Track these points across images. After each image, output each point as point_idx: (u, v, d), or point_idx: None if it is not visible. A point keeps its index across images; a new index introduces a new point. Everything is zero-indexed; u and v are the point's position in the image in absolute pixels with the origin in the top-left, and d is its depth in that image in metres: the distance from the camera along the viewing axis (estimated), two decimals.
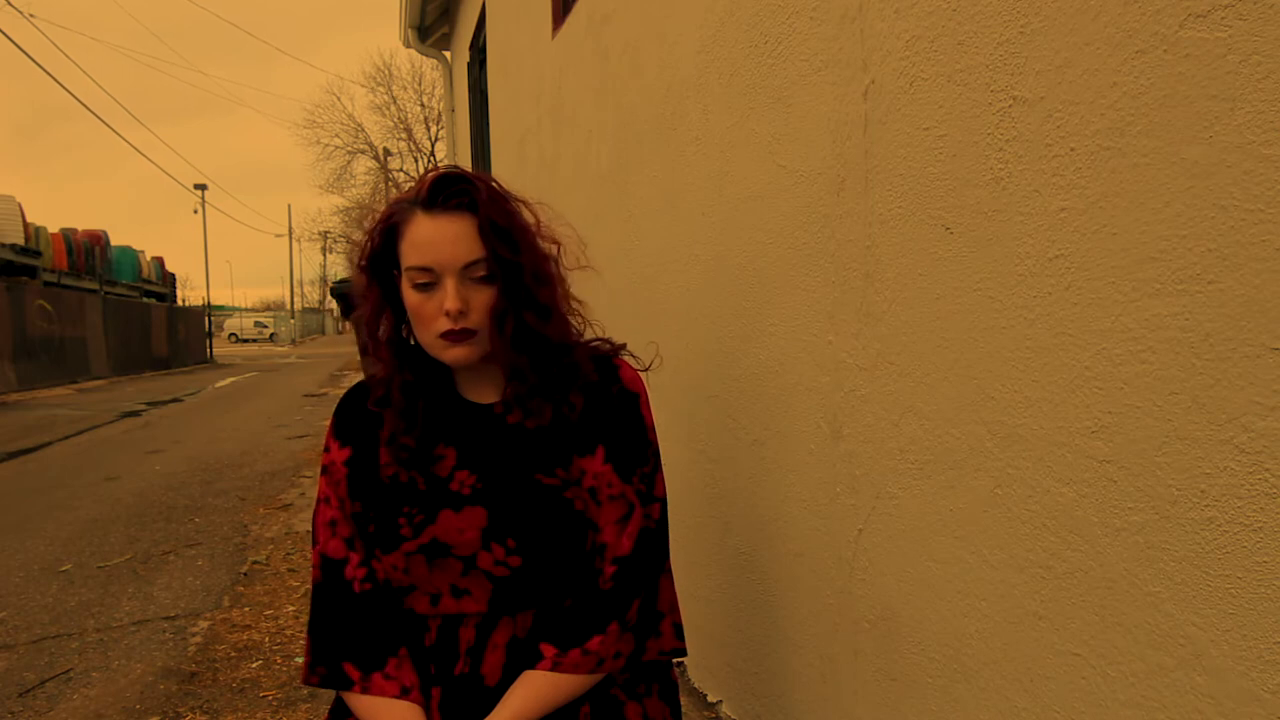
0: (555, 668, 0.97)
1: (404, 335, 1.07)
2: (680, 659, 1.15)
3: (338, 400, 1.14)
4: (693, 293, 1.87)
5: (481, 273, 0.99)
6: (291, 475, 5.55)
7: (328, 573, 1.05)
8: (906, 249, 1.13)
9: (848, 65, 1.24)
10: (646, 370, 1.18)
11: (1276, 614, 0.70)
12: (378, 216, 1.06)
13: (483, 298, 0.99)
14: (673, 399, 1.96)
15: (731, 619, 1.77)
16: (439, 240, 0.97)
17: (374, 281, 1.05)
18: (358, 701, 1.01)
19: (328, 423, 1.13)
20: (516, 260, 1.01)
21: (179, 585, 3.33)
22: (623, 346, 1.15)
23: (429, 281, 0.98)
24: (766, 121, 1.49)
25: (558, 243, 1.10)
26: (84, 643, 2.77)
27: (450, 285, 0.97)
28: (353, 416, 1.10)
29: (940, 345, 1.08)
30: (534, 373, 1.03)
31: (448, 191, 0.99)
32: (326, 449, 1.10)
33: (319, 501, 1.09)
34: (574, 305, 1.11)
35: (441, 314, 0.97)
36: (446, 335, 0.98)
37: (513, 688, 0.98)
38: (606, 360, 1.10)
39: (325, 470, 1.09)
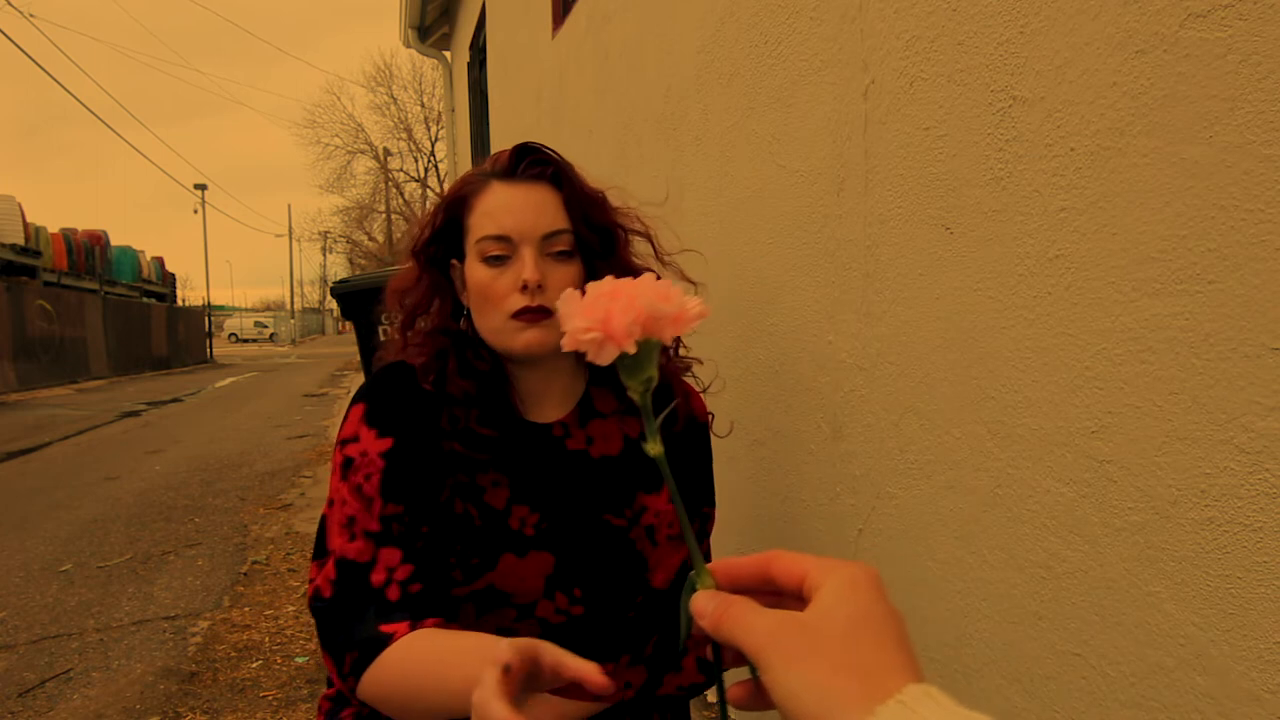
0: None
1: (462, 327, 0.96)
2: None
3: (360, 387, 0.95)
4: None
5: (563, 246, 0.90)
6: (291, 475, 5.55)
7: (345, 580, 0.84)
8: (906, 249, 1.13)
9: (848, 65, 1.24)
10: (705, 391, 1.11)
11: (1276, 614, 0.70)
12: (439, 198, 0.96)
13: (561, 275, 0.89)
14: None
15: None
16: (519, 206, 0.88)
17: (427, 269, 0.94)
18: (408, 649, 0.77)
19: (347, 413, 0.93)
20: (608, 229, 0.92)
21: (179, 585, 3.33)
22: (689, 366, 1.04)
23: (503, 254, 0.88)
24: (766, 121, 1.49)
25: (646, 227, 1.01)
26: (84, 643, 2.77)
27: (529, 255, 0.87)
28: (395, 403, 0.91)
29: (940, 345, 1.08)
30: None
31: (530, 158, 0.91)
32: (354, 438, 0.90)
33: (330, 505, 0.90)
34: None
35: (515, 290, 0.87)
36: (521, 314, 0.87)
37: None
38: (678, 382, 1.00)
39: (347, 465, 0.89)
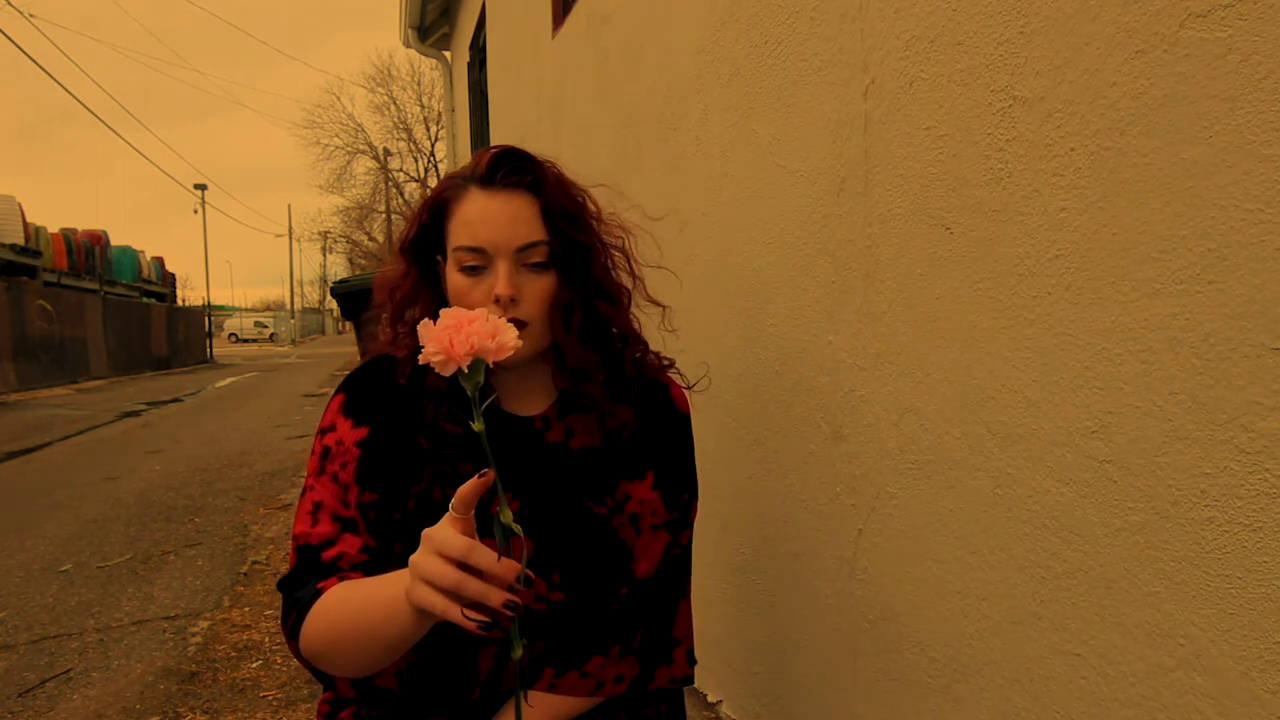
0: (552, 688, 0.94)
1: None
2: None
3: (345, 377, 1.00)
4: (692, 293, 1.87)
5: (538, 258, 0.90)
6: (291, 475, 5.55)
7: (301, 559, 0.90)
8: (906, 249, 1.13)
9: (848, 65, 1.24)
10: (691, 389, 1.12)
11: (1276, 614, 0.70)
12: (426, 195, 0.97)
13: (537, 286, 0.91)
14: None
15: (731, 619, 1.77)
16: (494, 218, 0.89)
17: (414, 265, 0.96)
18: (332, 597, 0.82)
19: (328, 403, 0.98)
20: (585, 243, 0.93)
21: (179, 585, 3.33)
22: (671, 363, 1.07)
23: (478, 265, 0.89)
24: (766, 121, 1.49)
25: (625, 229, 1.01)
26: (84, 643, 2.77)
27: (502, 268, 0.88)
28: (371, 394, 0.96)
29: (940, 345, 1.08)
30: (600, 377, 0.95)
31: (509, 168, 0.91)
32: (331, 428, 0.95)
33: (301, 495, 0.95)
34: (640, 309, 1.02)
35: (489, 301, 0.88)
36: None
37: (505, 706, 0.93)
38: (656, 377, 1.04)
39: (325, 455, 0.94)
